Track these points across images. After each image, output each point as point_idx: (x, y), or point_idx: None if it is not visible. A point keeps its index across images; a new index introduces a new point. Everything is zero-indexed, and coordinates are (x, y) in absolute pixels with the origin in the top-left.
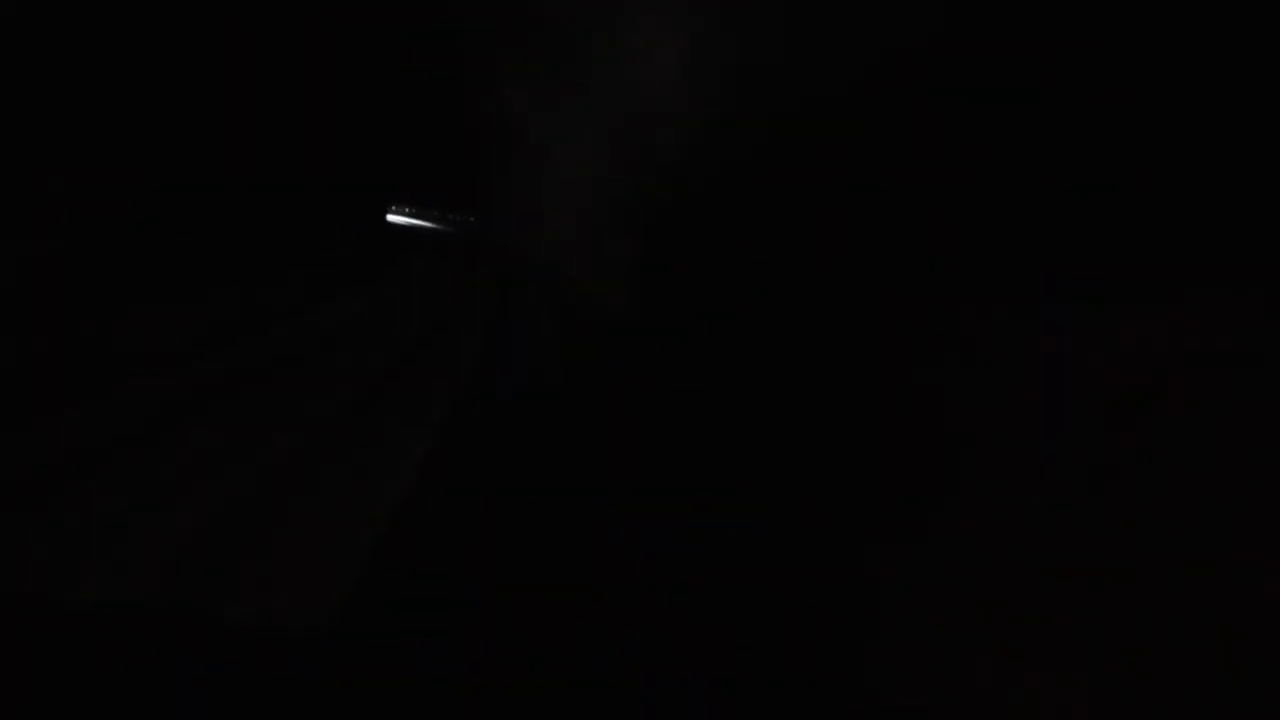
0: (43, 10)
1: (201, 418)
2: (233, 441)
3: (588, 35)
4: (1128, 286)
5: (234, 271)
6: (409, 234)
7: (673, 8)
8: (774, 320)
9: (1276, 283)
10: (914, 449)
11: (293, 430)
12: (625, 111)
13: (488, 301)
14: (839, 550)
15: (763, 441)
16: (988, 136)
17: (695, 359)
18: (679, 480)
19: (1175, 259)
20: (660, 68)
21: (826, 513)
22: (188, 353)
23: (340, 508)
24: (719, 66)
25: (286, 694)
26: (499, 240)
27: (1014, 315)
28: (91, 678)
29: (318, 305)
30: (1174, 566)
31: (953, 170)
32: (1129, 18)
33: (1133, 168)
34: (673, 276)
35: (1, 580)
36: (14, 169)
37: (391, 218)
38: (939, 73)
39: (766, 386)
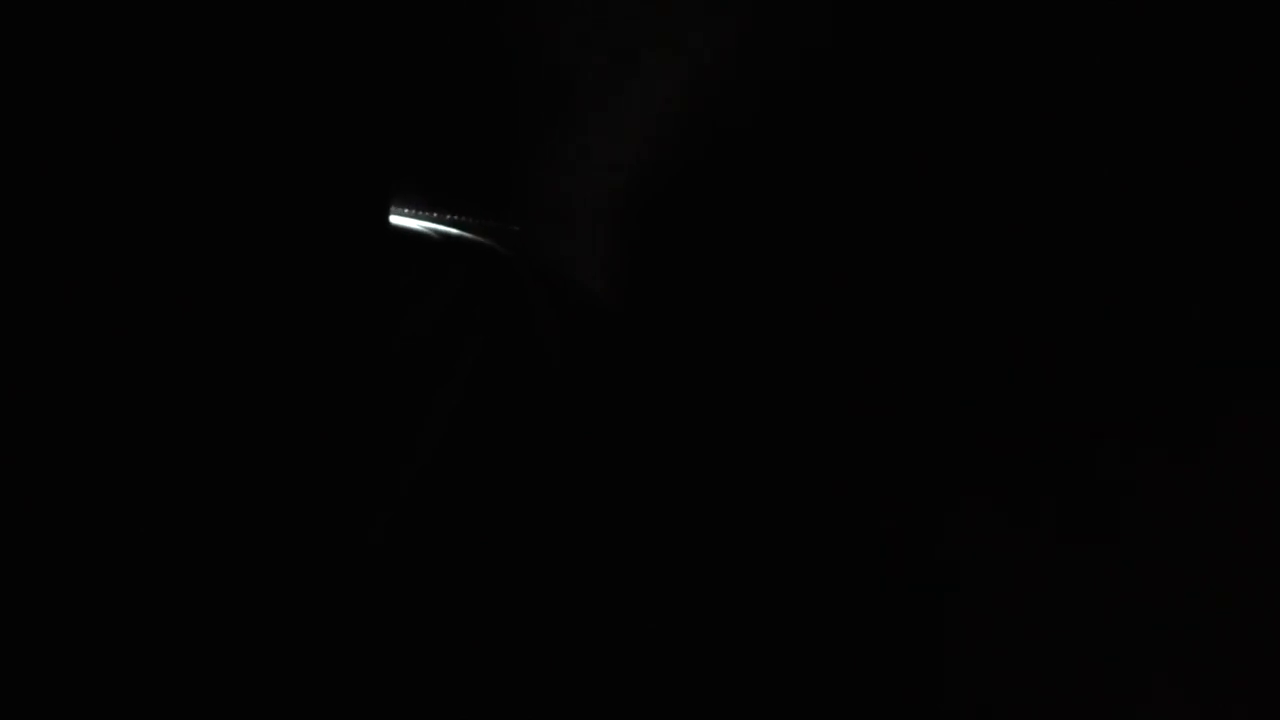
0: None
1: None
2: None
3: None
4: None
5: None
6: (415, 237)
7: (684, 25)
8: (778, 321)
9: None
10: (918, 446)
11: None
12: (644, 119)
13: (493, 299)
14: (844, 548)
15: (763, 439)
16: (984, 135)
17: (709, 360)
18: (680, 479)
19: None
20: (678, 81)
21: (834, 510)
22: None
23: (337, 511)
24: (729, 78)
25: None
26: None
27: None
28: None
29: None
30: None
31: (945, 170)
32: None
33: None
34: (677, 279)
35: None
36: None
37: (397, 219)
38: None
39: (763, 384)
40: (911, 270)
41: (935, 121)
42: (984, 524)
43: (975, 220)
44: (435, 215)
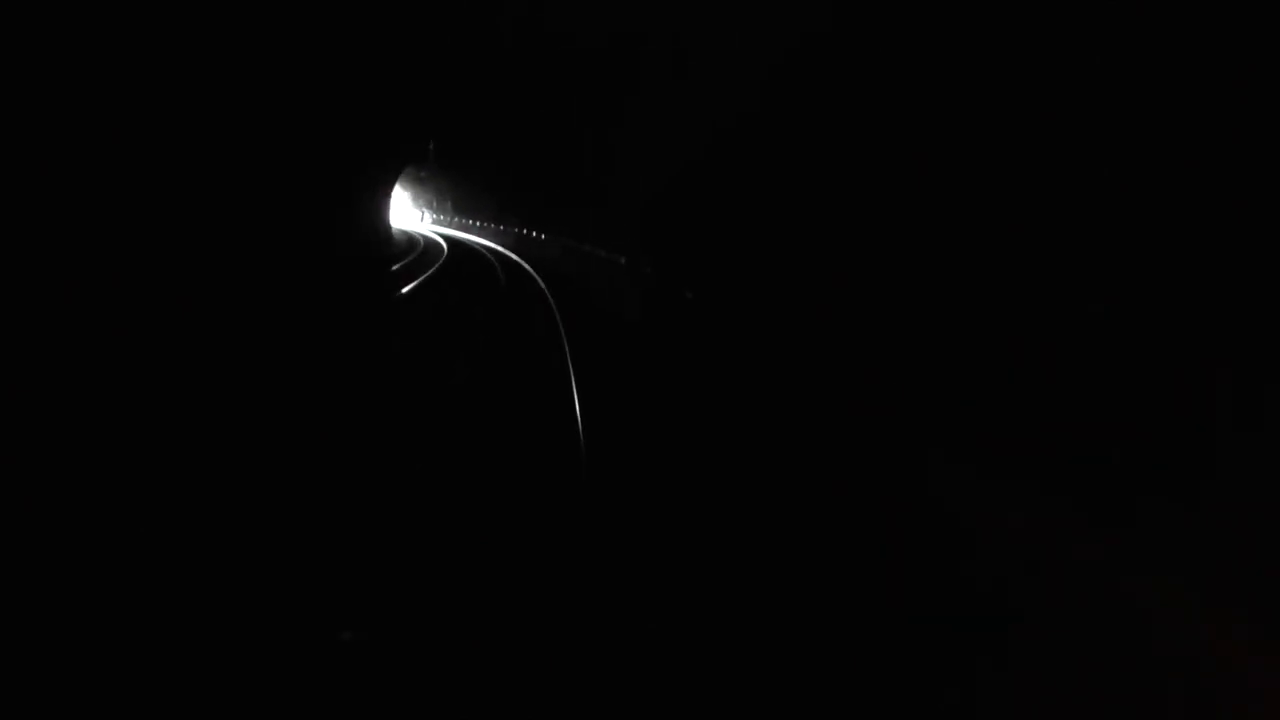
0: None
1: None
2: None
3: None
4: None
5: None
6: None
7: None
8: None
9: None
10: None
11: None
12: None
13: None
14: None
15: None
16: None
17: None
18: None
19: None
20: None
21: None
22: None
23: None
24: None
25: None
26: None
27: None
28: None
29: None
30: None
31: (950, 166)
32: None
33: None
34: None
35: None
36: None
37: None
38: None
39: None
40: (912, 271)
41: (935, 123)
42: (983, 522)
43: (974, 220)
44: (503, 228)
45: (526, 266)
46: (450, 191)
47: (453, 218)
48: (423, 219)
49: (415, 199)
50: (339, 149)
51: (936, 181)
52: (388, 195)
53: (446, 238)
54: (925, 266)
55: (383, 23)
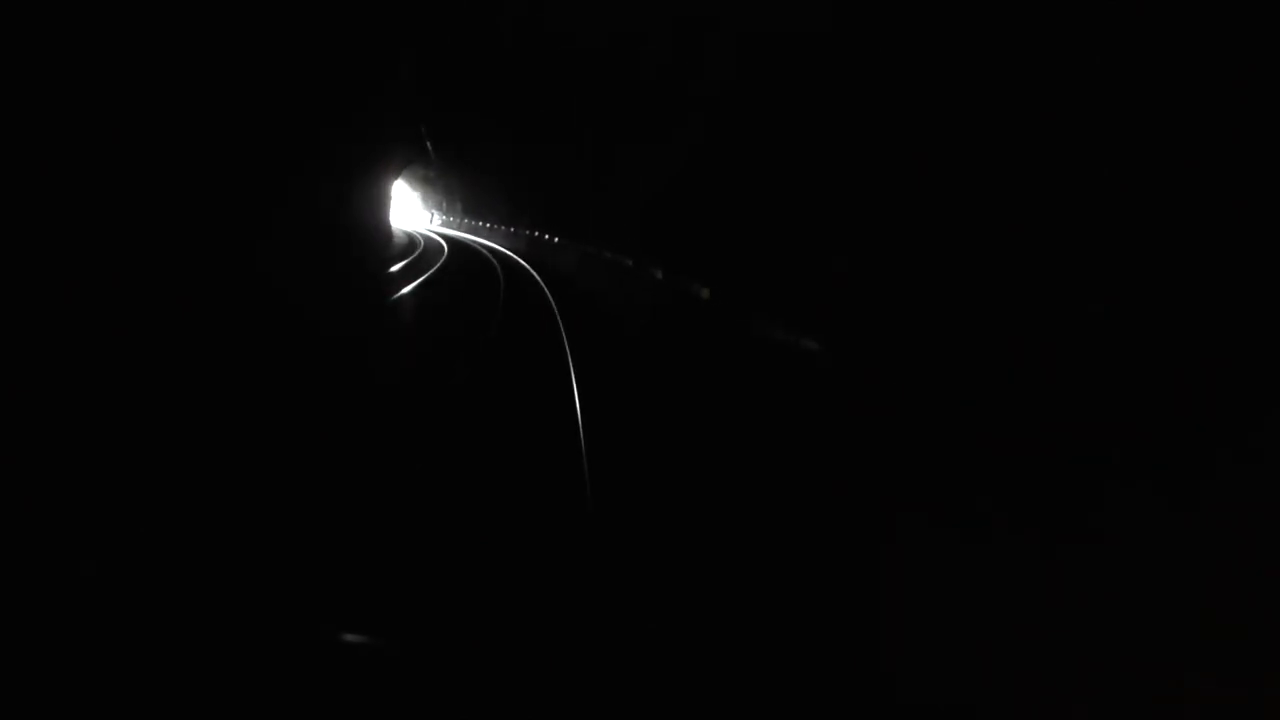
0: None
1: None
2: None
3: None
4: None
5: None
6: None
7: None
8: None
9: None
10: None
11: None
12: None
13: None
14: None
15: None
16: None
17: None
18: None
19: None
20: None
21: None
22: None
23: None
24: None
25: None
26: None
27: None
28: None
29: None
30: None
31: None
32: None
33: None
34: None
35: None
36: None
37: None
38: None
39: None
40: (911, 270)
41: (934, 122)
42: (983, 524)
43: (974, 220)
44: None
45: (538, 277)
46: (459, 191)
47: (462, 219)
48: (432, 220)
49: (424, 199)
50: (329, 147)
51: (935, 181)
52: (386, 195)
53: (449, 239)
54: (923, 266)
55: (381, 21)
